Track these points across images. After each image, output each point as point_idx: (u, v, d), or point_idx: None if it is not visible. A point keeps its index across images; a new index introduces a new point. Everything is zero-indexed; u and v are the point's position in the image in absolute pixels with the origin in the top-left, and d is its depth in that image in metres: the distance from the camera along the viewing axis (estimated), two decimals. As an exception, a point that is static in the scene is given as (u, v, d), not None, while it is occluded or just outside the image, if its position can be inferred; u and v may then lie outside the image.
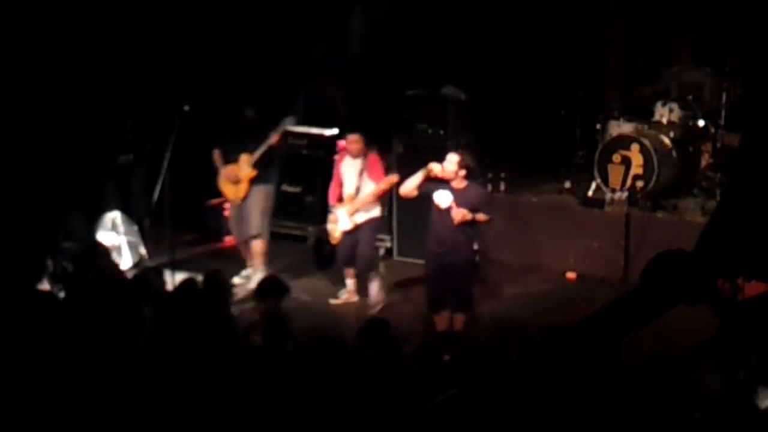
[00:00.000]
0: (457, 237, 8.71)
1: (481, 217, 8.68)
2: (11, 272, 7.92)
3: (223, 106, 10.60)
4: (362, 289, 9.82)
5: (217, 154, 10.16)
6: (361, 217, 9.54)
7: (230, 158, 10.10)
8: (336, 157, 9.80)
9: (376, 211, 9.63)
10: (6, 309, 7.15)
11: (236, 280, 9.92)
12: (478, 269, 9.91)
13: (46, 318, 7.04)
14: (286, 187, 11.16)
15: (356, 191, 9.53)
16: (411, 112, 10.84)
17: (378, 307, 9.58)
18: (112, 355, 6.50)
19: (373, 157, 9.59)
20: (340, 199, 9.67)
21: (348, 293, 9.92)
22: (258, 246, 10.16)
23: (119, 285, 8.13)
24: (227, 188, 10.18)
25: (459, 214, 8.59)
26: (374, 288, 9.67)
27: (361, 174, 9.51)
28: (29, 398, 6.08)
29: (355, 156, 9.55)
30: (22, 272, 7.93)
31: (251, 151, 9.98)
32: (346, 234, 9.57)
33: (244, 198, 10.08)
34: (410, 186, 8.83)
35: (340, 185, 9.67)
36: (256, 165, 10.01)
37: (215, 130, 10.36)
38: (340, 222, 9.56)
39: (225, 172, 10.11)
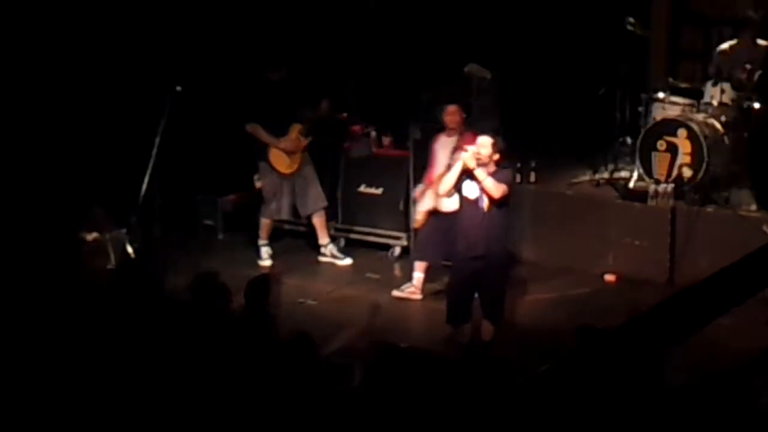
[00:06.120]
0: (490, 234, 8.83)
1: (488, 179, 8.73)
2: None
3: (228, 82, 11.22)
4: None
5: (258, 129, 10.72)
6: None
7: (277, 130, 10.78)
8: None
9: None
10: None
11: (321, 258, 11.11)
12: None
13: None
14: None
15: (447, 169, 9.46)
16: (430, 94, 10.92)
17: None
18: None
19: (470, 135, 9.59)
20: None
21: (414, 288, 10.16)
22: (323, 217, 10.99)
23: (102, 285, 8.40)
24: (283, 161, 10.84)
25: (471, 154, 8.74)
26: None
27: (453, 152, 9.55)
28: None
29: (450, 131, 9.76)
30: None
31: (297, 119, 10.77)
32: (430, 216, 9.77)
33: (298, 170, 10.84)
34: (449, 184, 8.96)
35: (433, 166, 9.92)
36: (308, 133, 10.81)
37: (237, 104, 10.92)
38: (424, 202, 9.83)
39: (284, 145, 10.81)
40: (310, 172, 10.93)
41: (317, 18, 12.46)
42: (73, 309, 7.91)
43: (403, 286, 10.17)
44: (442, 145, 9.84)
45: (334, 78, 12.12)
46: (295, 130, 10.80)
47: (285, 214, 11.07)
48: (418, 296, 10.09)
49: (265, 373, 6.57)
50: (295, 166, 10.85)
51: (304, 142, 10.86)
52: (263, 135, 10.74)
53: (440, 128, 10.18)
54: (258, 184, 11.15)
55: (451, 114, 9.82)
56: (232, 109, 11.10)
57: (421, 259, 10.13)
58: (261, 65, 10.90)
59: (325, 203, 10.98)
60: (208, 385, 6.53)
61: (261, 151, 10.83)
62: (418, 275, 10.11)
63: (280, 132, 10.77)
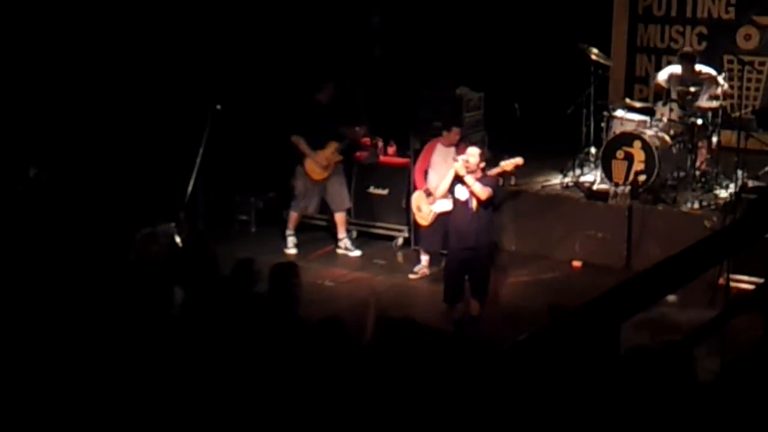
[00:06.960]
0: (478, 229, 9.01)
1: (476, 184, 8.88)
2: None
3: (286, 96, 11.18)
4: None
5: (300, 141, 10.81)
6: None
7: (316, 144, 10.82)
8: (427, 145, 10.27)
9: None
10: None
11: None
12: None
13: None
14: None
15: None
16: (427, 111, 10.99)
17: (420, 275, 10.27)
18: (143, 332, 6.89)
19: (461, 147, 9.75)
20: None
21: (424, 268, 10.33)
22: (344, 216, 11.08)
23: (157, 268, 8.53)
24: (316, 170, 10.87)
25: (461, 162, 8.90)
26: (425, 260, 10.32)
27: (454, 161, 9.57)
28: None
29: (449, 145, 9.92)
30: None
31: (334, 136, 10.80)
32: (440, 216, 9.80)
33: (328, 177, 10.90)
34: (444, 189, 9.18)
35: (425, 170, 10.05)
36: (343, 152, 10.92)
37: (287, 117, 10.97)
38: (437, 203, 9.78)
39: (318, 158, 10.83)
40: (339, 178, 11.03)
41: (330, 43, 12.66)
42: (129, 284, 8.06)
43: (415, 268, 10.39)
44: (442, 155, 9.98)
45: (347, 96, 12.30)
46: (332, 147, 10.87)
47: (312, 211, 11.21)
48: (428, 271, 10.32)
49: (292, 347, 6.65)
50: (326, 175, 10.92)
51: (338, 158, 10.97)
52: (303, 146, 10.84)
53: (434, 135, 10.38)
54: (292, 182, 11.29)
55: (456, 134, 10.01)
56: (268, 123, 11.18)
57: (427, 249, 10.39)
58: (309, 86, 10.93)
59: (349, 205, 11.15)
60: (243, 356, 6.60)
61: (299, 158, 10.95)
62: (425, 257, 10.38)
63: (319, 146, 10.85)
